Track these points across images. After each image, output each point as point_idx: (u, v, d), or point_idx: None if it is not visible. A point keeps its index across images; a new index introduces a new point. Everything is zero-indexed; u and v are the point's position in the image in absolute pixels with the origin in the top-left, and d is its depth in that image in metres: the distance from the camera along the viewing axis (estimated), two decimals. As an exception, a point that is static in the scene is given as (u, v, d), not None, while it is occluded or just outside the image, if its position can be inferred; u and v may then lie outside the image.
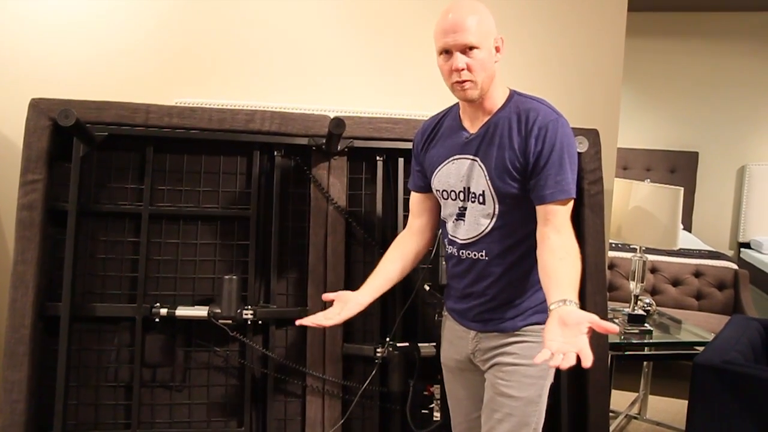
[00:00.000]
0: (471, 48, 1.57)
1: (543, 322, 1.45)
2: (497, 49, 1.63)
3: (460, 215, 1.70)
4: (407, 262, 1.83)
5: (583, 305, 2.26)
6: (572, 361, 1.25)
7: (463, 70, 1.57)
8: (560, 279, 1.46)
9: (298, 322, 1.69)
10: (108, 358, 2.14)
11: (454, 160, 1.69)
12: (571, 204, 1.58)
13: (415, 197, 1.87)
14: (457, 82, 1.59)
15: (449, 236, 1.75)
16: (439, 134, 1.76)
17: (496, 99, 1.66)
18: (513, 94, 1.68)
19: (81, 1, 2.42)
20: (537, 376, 1.63)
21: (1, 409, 1.98)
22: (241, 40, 2.49)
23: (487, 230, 1.65)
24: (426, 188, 1.81)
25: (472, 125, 1.69)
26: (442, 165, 1.72)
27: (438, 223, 1.85)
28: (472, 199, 1.66)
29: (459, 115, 1.73)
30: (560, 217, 1.55)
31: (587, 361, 1.25)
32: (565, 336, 1.32)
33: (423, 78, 2.52)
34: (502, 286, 1.67)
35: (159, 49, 2.46)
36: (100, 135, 2.09)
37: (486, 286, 1.68)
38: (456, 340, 1.80)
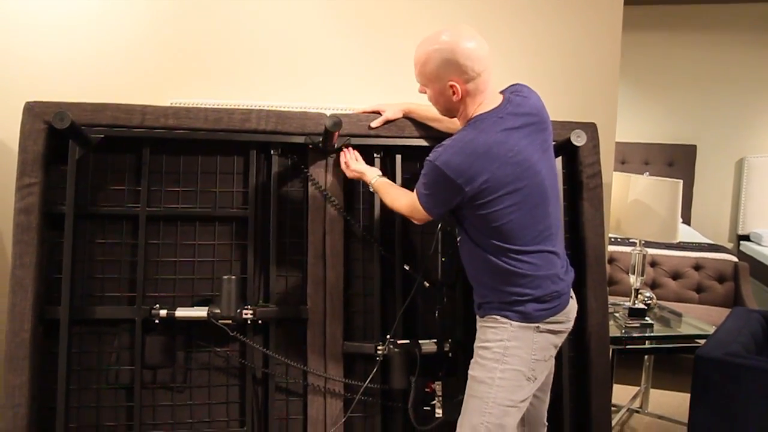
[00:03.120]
0: (421, 83, 1.83)
1: (500, 315, 1.78)
2: (454, 92, 1.75)
3: None
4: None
5: (584, 299, 2.26)
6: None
7: (423, 92, 1.86)
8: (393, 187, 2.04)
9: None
10: (108, 360, 2.14)
11: None
12: (418, 202, 1.82)
13: None
14: None
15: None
16: None
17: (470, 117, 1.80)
18: (470, 119, 1.78)
19: (75, 3, 2.41)
20: (489, 358, 1.78)
21: (2, 413, 1.98)
22: (235, 39, 2.48)
23: (459, 239, 1.89)
24: None
25: None
26: None
27: None
28: None
29: None
30: (412, 197, 1.86)
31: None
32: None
33: (419, 75, 2.51)
34: (475, 285, 1.90)
35: (154, 49, 2.45)
36: (96, 137, 2.09)
37: (471, 281, 1.92)
38: None
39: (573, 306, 1.88)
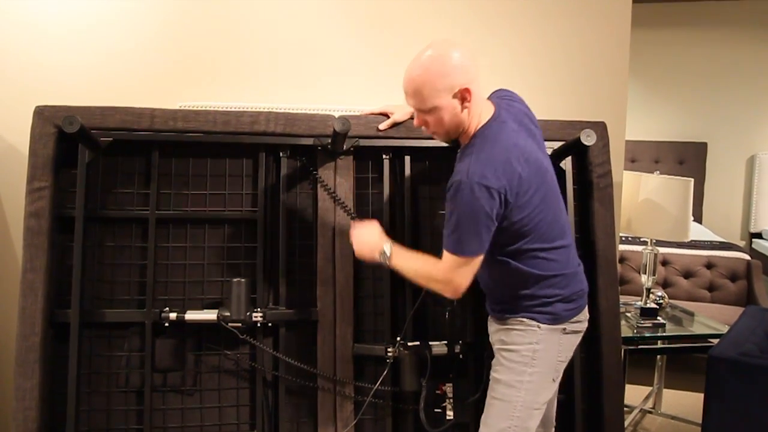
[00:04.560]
0: (424, 111, 1.70)
1: (528, 318, 1.76)
2: (463, 99, 1.68)
3: None
4: None
5: (595, 300, 2.24)
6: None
7: (419, 127, 1.76)
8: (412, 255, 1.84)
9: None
10: (118, 363, 2.14)
11: None
12: (458, 258, 1.67)
13: None
14: None
15: None
16: None
17: (474, 126, 1.75)
18: (478, 134, 1.73)
19: (83, 8, 2.42)
20: (518, 362, 1.77)
21: (13, 416, 1.98)
22: (243, 42, 2.48)
23: None
24: None
25: (462, 142, 1.81)
26: None
27: None
28: None
29: None
30: (444, 260, 1.70)
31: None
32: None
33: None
34: (492, 289, 1.88)
35: (162, 53, 2.46)
36: (105, 141, 2.09)
37: (486, 287, 1.91)
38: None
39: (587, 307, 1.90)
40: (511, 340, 1.79)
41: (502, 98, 1.82)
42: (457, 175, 1.66)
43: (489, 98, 1.82)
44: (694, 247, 4.35)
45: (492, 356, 1.88)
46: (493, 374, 1.82)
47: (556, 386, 1.84)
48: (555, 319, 1.78)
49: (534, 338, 1.77)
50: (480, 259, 1.69)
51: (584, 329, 1.88)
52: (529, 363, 1.76)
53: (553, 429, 2.02)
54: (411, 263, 1.82)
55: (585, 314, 1.87)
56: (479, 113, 1.74)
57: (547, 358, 1.78)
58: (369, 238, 1.87)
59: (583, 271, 1.89)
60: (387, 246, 1.82)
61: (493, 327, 1.90)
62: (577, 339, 1.86)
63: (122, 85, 2.44)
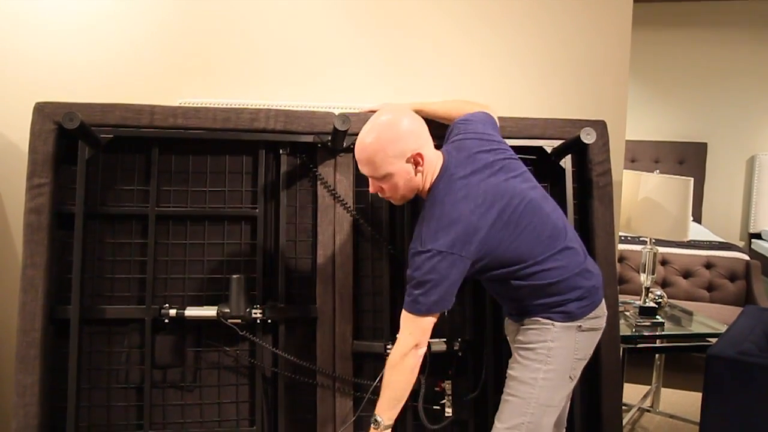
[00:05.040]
0: (378, 178, 1.75)
1: (545, 318, 1.78)
2: (416, 163, 1.72)
3: None
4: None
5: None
6: None
7: (375, 192, 1.81)
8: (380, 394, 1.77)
9: None
10: (118, 359, 2.14)
11: None
12: (416, 317, 1.71)
13: None
14: None
15: None
16: None
17: (429, 184, 1.79)
18: (428, 196, 1.77)
19: (84, 4, 2.42)
20: (533, 359, 1.78)
21: (14, 412, 1.98)
22: (243, 39, 2.49)
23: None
24: None
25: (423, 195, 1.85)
26: None
27: None
28: None
29: None
30: (403, 324, 1.74)
31: None
32: None
33: (428, 73, 2.51)
34: (507, 302, 1.91)
35: (162, 49, 2.46)
36: (105, 137, 2.09)
37: (498, 298, 1.95)
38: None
39: (603, 301, 1.89)
40: (527, 339, 1.81)
41: (453, 141, 1.84)
42: (413, 242, 1.72)
43: (443, 143, 1.86)
44: (693, 247, 4.36)
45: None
46: (509, 372, 1.83)
47: (573, 384, 1.84)
48: (570, 317, 1.78)
49: (549, 336, 1.77)
50: (433, 319, 1.73)
51: (602, 326, 1.87)
52: (545, 361, 1.77)
53: (564, 429, 2.02)
54: (388, 391, 1.76)
55: (602, 310, 1.86)
56: (432, 171, 1.77)
57: (563, 355, 1.78)
58: None
59: (592, 263, 1.88)
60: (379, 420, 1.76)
61: (510, 328, 1.94)
62: (596, 336, 1.86)
63: (122, 81, 2.44)
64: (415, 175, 1.74)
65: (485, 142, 1.83)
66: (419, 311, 1.70)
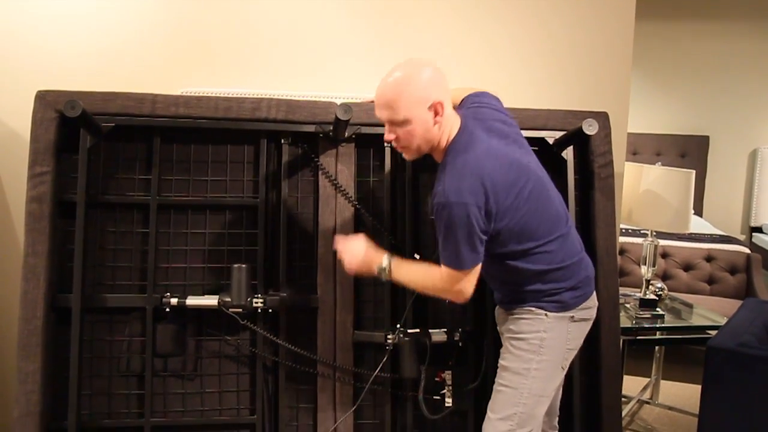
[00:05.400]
0: (396, 123, 1.70)
1: (538, 308, 1.78)
2: (436, 113, 1.69)
3: None
4: None
5: (596, 290, 2.24)
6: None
7: (390, 141, 1.75)
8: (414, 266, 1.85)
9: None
10: (120, 348, 2.15)
11: None
12: (456, 272, 1.70)
13: None
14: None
15: None
16: None
17: (445, 141, 1.75)
18: (449, 150, 1.73)
19: (85, -8, 2.42)
20: (526, 350, 1.78)
21: (16, 399, 1.99)
22: (246, 28, 2.48)
23: None
24: None
25: (437, 158, 1.82)
26: None
27: None
28: None
29: None
30: (444, 274, 1.72)
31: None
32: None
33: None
34: (500, 286, 1.90)
35: (164, 38, 2.45)
36: (107, 126, 2.09)
37: (492, 282, 1.93)
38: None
39: (595, 292, 1.90)
40: (519, 329, 1.80)
41: (469, 107, 1.83)
42: (435, 197, 1.68)
43: (457, 109, 1.82)
44: (694, 239, 4.36)
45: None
46: (501, 362, 1.83)
47: (563, 374, 1.85)
48: (563, 306, 1.78)
49: (542, 326, 1.78)
50: (478, 267, 1.72)
51: (593, 317, 1.88)
52: (537, 351, 1.77)
53: (557, 419, 2.03)
54: (412, 276, 1.83)
55: (593, 301, 1.87)
56: (449, 129, 1.74)
57: (556, 346, 1.79)
58: (362, 253, 1.85)
59: (586, 255, 1.89)
60: (385, 259, 1.83)
61: (501, 317, 1.92)
62: (587, 327, 1.87)
63: (124, 70, 2.44)
64: (433, 126, 1.70)
65: (499, 113, 1.83)
66: (460, 266, 1.68)
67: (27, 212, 2.03)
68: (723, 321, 2.89)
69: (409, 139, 1.72)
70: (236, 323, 2.15)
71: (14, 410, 1.99)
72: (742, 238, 5.63)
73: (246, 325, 2.16)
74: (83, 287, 2.07)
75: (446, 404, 2.19)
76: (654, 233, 3.06)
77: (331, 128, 2.16)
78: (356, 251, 1.85)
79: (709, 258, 4.22)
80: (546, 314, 1.78)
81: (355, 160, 2.24)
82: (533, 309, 1.79)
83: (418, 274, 1.83)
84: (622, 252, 4.15)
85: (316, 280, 2.20)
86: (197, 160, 2.21)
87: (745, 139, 5.72)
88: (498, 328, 1.95)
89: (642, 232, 4.10)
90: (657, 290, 3.18)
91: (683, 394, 3.50)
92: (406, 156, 1.81)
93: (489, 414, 1.81)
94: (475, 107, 1.82)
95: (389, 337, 2.17)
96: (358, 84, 2.49)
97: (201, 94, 2.24)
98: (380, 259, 1.83)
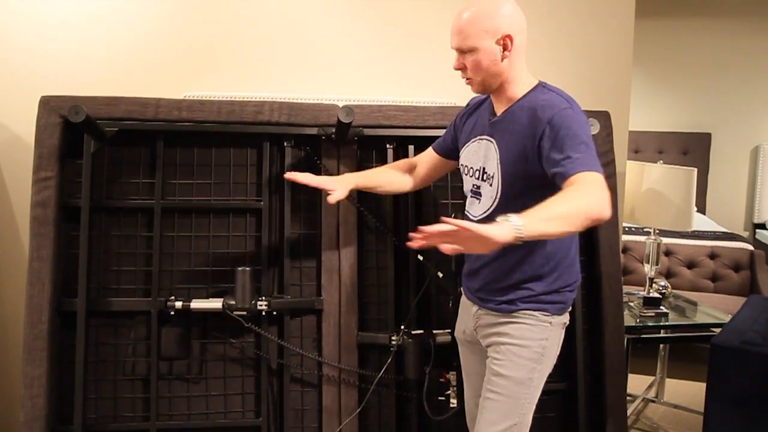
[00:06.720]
0: (464, 51, 1.66)
1: (537, 309, 1.70)
2: (504, 47, 1.65)
3: (476, 193, 1.79)
4: (393, 180, 2.05)
5: (599, 289, 2.25)
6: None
7: (458, 70, 1.71)
8: (542, 205, 1.41)
9: (287, 176, 2.05)
10: (125, 351, 2.16)
11: (479, 139, 1.79)
12: (597, 174, 1.48)
13: (430, 152, 2.03)
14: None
15: (465, 212, 1.84)
16: (477, 112, 1.86)
17: (518, 89, 1.70)
18: (538, 86, 1.71)
19: (87, -3, 2.42)
20: (528, 358, 1.70)
21: (21, 404, 2.00)
22: (248, 32, 2.48)
23: (488, 212, 1.72)
24: (444, 153, 1.98)
25: (498, 110, 1.75)
26: (469, 142, 1.83)
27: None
28: (485, 179, 1.74)
29: (492, 99, 1.78)
30: (588, 180, 1.47)
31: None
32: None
33: (431, 65, 2.50)
34: (495, 269, 1.74)
35: (167, 43, 2.46)
36: (111, 130, 2.10)
37: (482, 265, 1.78)
38: (464, 314, 1.92)
39: None
40: (522, 335, 1.70)
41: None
42: (545, 111, 1.57)
43: None
44: (697, 237, 4.35)
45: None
46: (496, 369, 1.71)
47: None
48: (563, 308, 1.75)
49: (545, 334, 1.71)
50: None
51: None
52: (539, 359, 1.71)
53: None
54: (556, 209, 1.41)
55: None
56: (521, 74, 1.69)
57: (552, 354, 1.75)
58: (485, 232, 1.35)
59: None
60: (514, 219, 1.36)
61: (490, 320, 1.76)
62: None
63: (127, 74, 2.44)
64: (501, 60, 1.65)
65: None
66: (598, 167, 1.51)
67: (32, 217, 2.04)
68: (727, 318, 2.89)
69: (476, 70, 1.66)
70: (241, 326, 2.16)
71: (20, 414, 2.00)
72: (746, 234, 5.62)
73: (250, 328, 2.17)
74: (88, 291, 2.08)
75: (451, 405, 2.19)
76: (657, 231, 3.06)
77: (334, 131, 2.17)
78: (484, 233, 1.34)
79: (713, 255, 4.22)
80: (550, 322, 1.72)
81: (358, 162, 2.24)
82: (536, 313, 1.71)
83: (561, 206, 1.42)
84: (625, 250, 4.16)
85: (320, 282, 2.20)
86: (201, 164, 2.22)
87: (748, 136, 5.71)
88: (482, 332, 1.79)
89: (645, 230, 4.10)
90: (660, 288, 3.18)
91: (688, 392, 3.50)
92: (472, 89, 1.73)
93: (488, 427, 1.70)
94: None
95: (393, 338, 2.17)
96: (361, 87, 2.50)
97: (204, 98, 2.25)
98: (509, 224, 1.36)
